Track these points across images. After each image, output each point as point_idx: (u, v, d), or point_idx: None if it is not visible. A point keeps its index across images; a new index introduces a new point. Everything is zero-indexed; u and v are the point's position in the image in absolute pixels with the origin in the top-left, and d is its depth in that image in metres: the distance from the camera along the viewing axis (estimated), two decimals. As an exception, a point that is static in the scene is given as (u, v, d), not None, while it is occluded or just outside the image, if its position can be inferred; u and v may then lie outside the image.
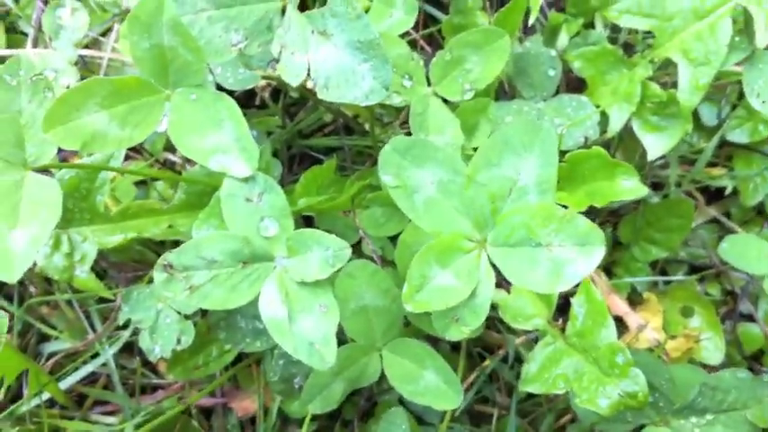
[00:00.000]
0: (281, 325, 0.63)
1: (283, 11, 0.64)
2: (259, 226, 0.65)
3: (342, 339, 0.77)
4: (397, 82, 0.74)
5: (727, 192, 1.06)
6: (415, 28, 1.03)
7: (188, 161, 0.91)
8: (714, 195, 1.11)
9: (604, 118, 0.88)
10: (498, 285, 0.82)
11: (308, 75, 0.62)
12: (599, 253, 0.58)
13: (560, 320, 0.77)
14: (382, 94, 0.61)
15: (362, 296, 0.74)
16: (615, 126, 0.86)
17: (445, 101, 0.79)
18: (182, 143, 0.64)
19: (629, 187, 0.77)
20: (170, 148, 0.97)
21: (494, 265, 0.63)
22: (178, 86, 0.64)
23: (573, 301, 0.75)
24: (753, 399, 0.77)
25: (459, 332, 0.65)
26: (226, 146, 0.64)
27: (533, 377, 0.74)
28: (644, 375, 0.69)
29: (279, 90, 1.00)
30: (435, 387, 0.75)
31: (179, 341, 0.77)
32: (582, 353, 0.72)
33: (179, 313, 0.82)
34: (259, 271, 0.65)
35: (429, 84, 0.77)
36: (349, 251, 0.63)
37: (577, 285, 0.75)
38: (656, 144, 0.86)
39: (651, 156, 0.86)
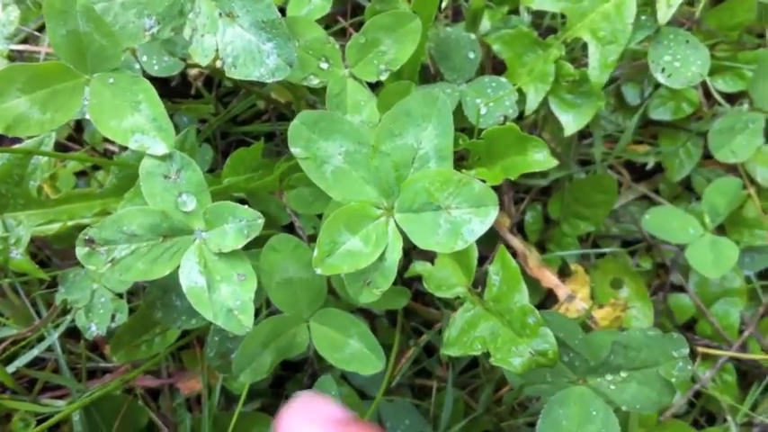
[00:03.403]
0: (200, 293, 0.66)
1: (194, -4, 0.68)
2: (177, 201, 0.67)
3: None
4: (313, 65, 0.77)
5: (650, 166, 1.11)
6: (344, 16, 1.06)
7: (124, 149, 0.94)
8: (644, 173, 1.15)
9: (525, 98, 0.92)
10: (431, 261, 0.86)
11: (218, 55, 0.65)
12: (493, 213, 0.61)
13: (480, 288, 0.80)
14: (286, 71, 0.65)
15: (287, 269, 0.77)
16: (532, 105, 0.90)
17: (371, 85, 0.82)
18: (102, 125, 0.67)
19: (540, 159, 0.81)
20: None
21: (401, 230, 0.66)
22: (96, 71, 0.66)
23: (489, 268, 0.78)
24: (663, 355, 0.80)
25: (372, 295, 0.67)
26: (143, 126, 0.66)
27: (453, 341, 0.78)
28: (556, 335, 0.72)
29: (213, 79, 1.03)
30: (360, 353, 0.78)
31: (113, 318, 0.80)
32: (498, 316, 0.75)
33: (120, 295, 0.85)
34: (179, 244, 0.67)
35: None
36: (262, 221, 0.66)
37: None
38: (571, 121, 0.90)
39: (567, 132, 0.90)
